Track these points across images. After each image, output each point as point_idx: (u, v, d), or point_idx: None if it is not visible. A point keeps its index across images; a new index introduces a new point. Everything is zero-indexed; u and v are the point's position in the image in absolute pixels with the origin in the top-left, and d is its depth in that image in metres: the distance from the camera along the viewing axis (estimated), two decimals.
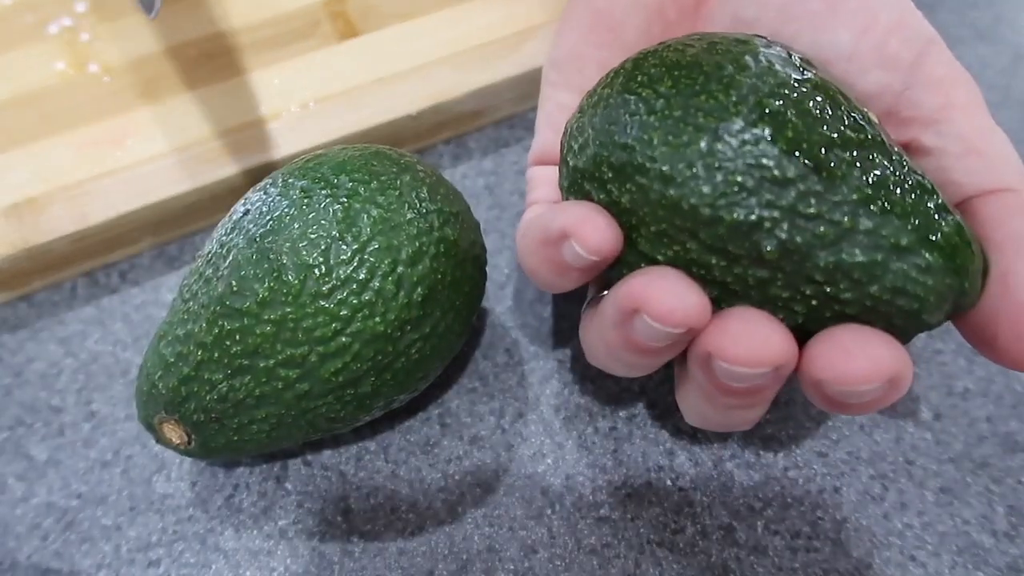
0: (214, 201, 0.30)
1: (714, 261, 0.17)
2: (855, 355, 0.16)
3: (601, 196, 0.19)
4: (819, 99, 0.17)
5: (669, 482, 0.25)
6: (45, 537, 0.25)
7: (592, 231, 0.18)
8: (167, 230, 0.30)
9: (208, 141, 0.30)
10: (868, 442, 0.25)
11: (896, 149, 0.17)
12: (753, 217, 0.17)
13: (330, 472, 0.25)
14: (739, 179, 0.17)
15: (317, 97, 0.31)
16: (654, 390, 0.27)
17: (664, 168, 0.17)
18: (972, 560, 0.23)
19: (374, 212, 0.21)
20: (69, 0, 0.34)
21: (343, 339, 0.20)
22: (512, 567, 0.23)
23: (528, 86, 0.32)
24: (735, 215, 0.17)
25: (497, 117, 0.34)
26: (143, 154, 0.29)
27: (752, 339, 0.16)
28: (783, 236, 0.16)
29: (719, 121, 0.17)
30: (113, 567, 0.24)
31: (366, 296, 0.20)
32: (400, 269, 0.21)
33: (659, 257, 0.18)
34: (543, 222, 0.19)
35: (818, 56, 0.20)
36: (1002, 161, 0.18)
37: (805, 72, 0.17)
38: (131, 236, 0.29)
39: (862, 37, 0.19)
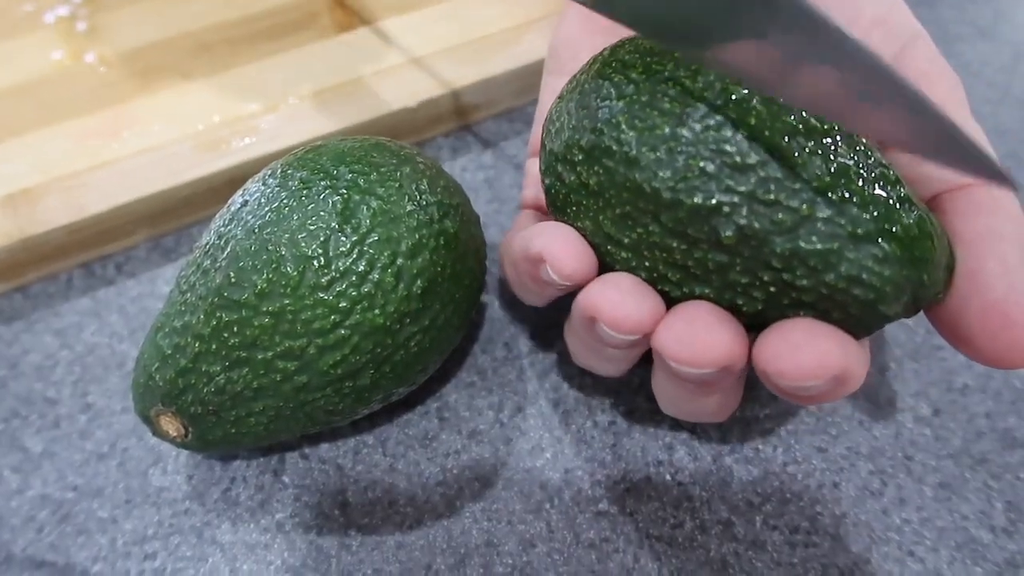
0: (211, 193, 0.29)
1: (675, 244, 0.18)
2: (802, 351, 0.16)
3: (571, 178, 0.19)
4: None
5: (668, 477, 0.25)
6: (40, 529, 0.24)
7: (565, 259, 0.19)
8: (163, 222, 0.30)
9: (205, 133, 0.30)
10: (867, 437, 0.25)
11: (864, 140, 0.17)
12: (712, 202, 0.17)
13: (328, 465, 0.25)
14: (700, 164, 0.17)
15: (315, 89, 0.31)
16: None
17: (629, 151, 0.18)
18: (970, 555, 0.23)
19: (374, 204, 0.21)
20: None
21: (342, 331, 0.20)
22: (510, 561, 0.23)
23: (527, 79, 0.32)
24: (694, 199, 0.17)
25: (496, 110, 0.33)
26: (140, 145, 0.29)
27: (695, 341, 0.17)
28: (741, 222, 0.17)
29: (684, 107, 0.17)
30: (109, 560, 0.24)
31: (365, 288, 0.20)
32: (400, 261, 0.21)
33: (624, 239, 0.19)
34: (523, 242, 0.20)
35: None
36: None
37: None
38: (127, 228, 0.29)
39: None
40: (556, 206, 0.21)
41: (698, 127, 0.17)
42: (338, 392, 0.21)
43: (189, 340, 0.21)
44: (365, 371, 0.21)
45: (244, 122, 0.30)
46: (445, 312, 0.22)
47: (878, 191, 0.16)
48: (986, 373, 0.26)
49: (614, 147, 0.18)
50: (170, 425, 0.22)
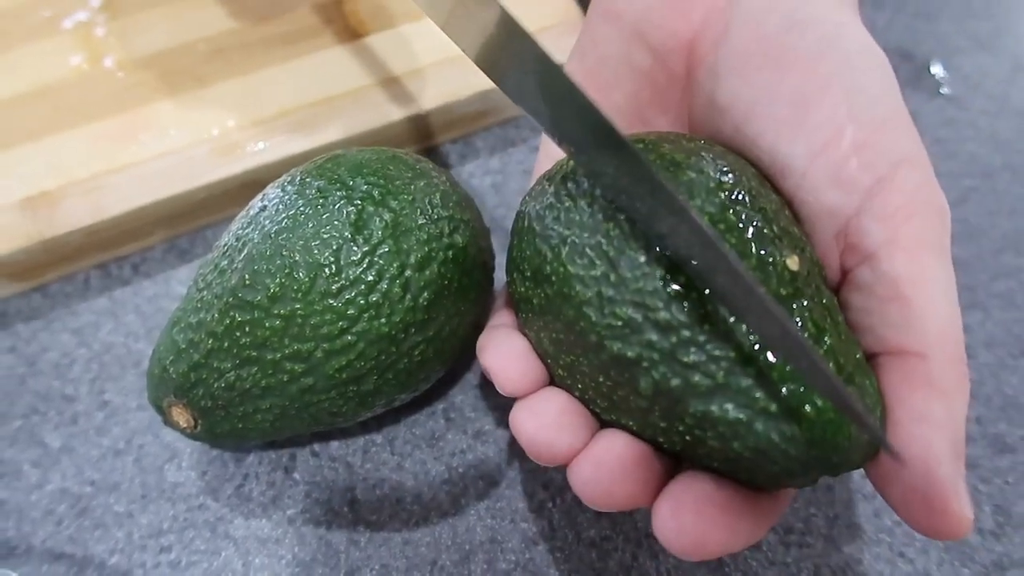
0: (226, 196, 0.30)
1: (601, 379, 0.18)
2: (686, 533, 0.17)
3: (522, 289, 0.20)
4: (728, 244, 0.16)
5: None
6: (59, 523, 0.25)
7: (505, 381, 0.20)
8: (180, 224, 0.31)
9: (220, 137, 0.30)
10: None
11: (802, 303, 0.16)
12: (631, 354, 0.17)
13: (337, 463, 0.26)
14: (627, 313, 0.17)
15: (328, 95, 0.31)
16: None
17: (565, 286, 0.18)
18: (959, 557, 0.24)
19: (386, 216, 0.22)
20: None
21: (349, 337, 0.21)
22: (513, 558, 0.24)
23: None
24: (616, 348, 0.17)
25: (504, 117, 0.34)
26: (157, 149, 0.30)
27: (600, 488, 0.18)
28: (658, 377, 0.17)
29: (620, 253, 0.17)
30: (126, 552, 0.25)
31: (373, 297, 0.21)
32: (408, 273, 0.21)
33: (560, 360, 0.19)
34: (478, 350, 0.21)
35: (773, 165, 0.19)
36: (924, 315, 0.16)
37: (729, 209, 0.17)
38: (144, 229, 0.30)
39: (820, 155, 0.18)
40: (514, 305, 0.21)
41: (629, 275, 0.17)
42: (342, 395, 0.22)
43: (203, 336, 0.22)
44: (369, 377, 0.22)
45: (258, 127, 0.31)
46: (450, 324, 0.23)
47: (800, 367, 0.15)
48: (978, 380, 0.27)
49: (553, 278, 0.18)
50: (181, 416, 0.23)
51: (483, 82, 0.32)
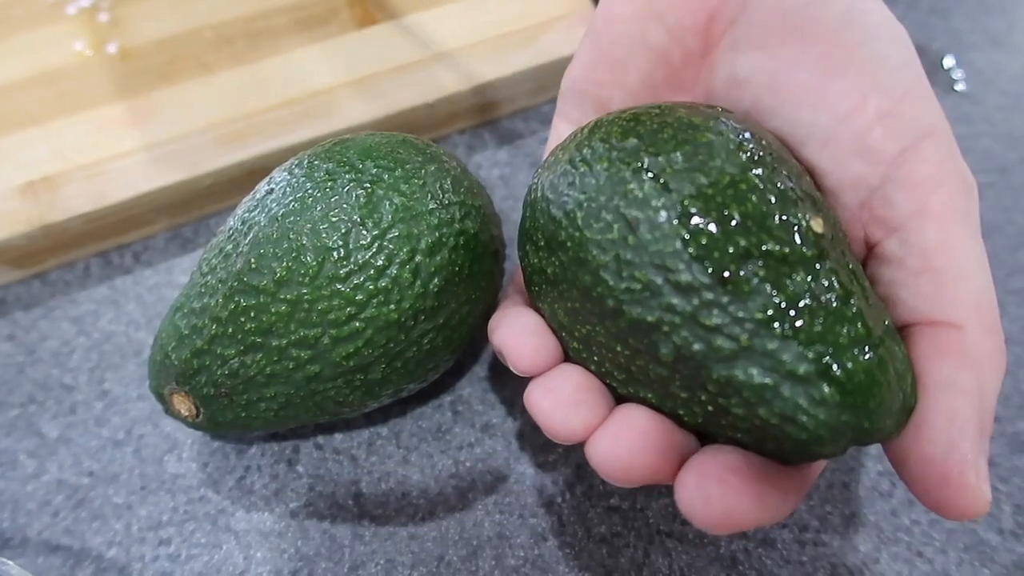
0: (231, 184, 0.30)
1: (619, 349, 0.18)
2: (713, 505, 0.16)
3: (535, 260, 0.19)
4: (750, 203, 0.16)
5: None
6: (56, 514, 0.25)
7: (519, 357, 0.19)
8: (182, 212, 0.30)
9: (225, 124, 0.30)
10: None
11: (828, 266, 0.16)
12: (651, 318, 0.16)
13: (342, 456, 0.26)
14: (647, 276, 0.16)
15: (335, 84, 0.31)
16: None
17: (581, 251, 0.17)
18: (979, 557, 0.23)
19: (396, 200, 0.21)
20: None
21: (356, 324, 0.20)
22: (522, 554, 0.24)
23: (543, 79, 0.32)
24: (635, 312, 0.17)
25: (513, 109, 0.34)
26: (161, 136, 0.29)
27: (620, 461, 0.17)
28: (679, 342, 0.16)
29: (638, 214, 0.17)
30: (124, 545, 0.24)
31: (382, 283, 0.20)
32: (418, 258, 0.21)
33: (575, 331, 0.19)
34: (490, 331, 0.21)
35: (793, 135, 0.18)
36: (958, 287, 0.16)
37: (749, 169, 0.16)
38: (146, 217, 0.29)
39: (843, 123, 0.17)
40: (526, 280, 0.21)
41: (648, 238, 0.16)
42: (349, 384, 0.22)
43: (206, 322, 0.21)
44: (377, 365, 0.21)
45: (264, 115, 0.30)
46: (460, 312, 0.22)
47: (827, 328, 0.15)
48: None
49: (569, 244, 0.18)
50: (182, 405, 0.22)
51: (492, 72, 0.31)
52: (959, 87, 0.35)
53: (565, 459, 0.25)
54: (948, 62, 0.36)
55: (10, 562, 0.23)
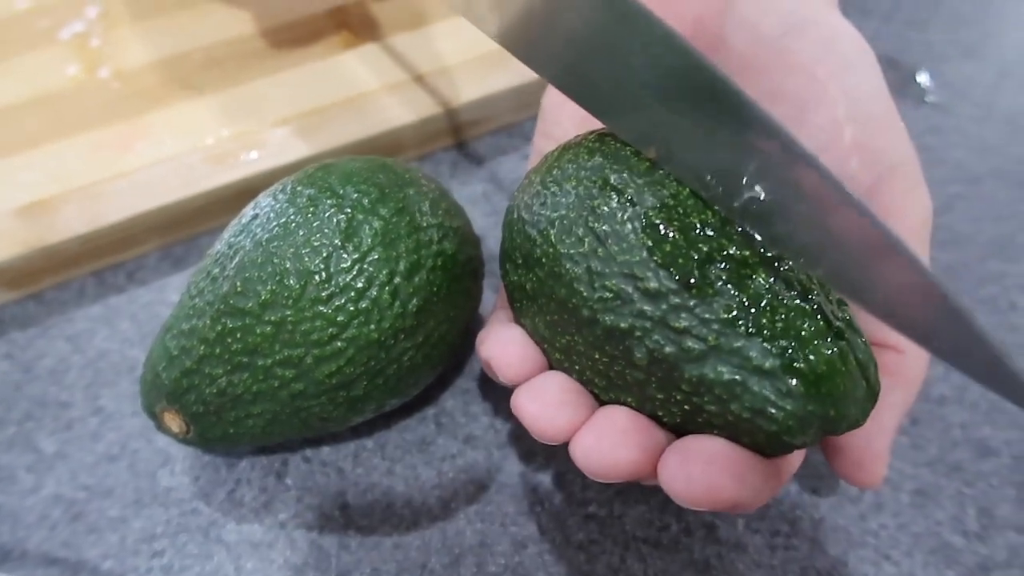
0: (220, 204, 0.31)
1: (597, 356, 0.19)
2: (696, 482, 0.17)
3: (515, 277, 0.21)
4: (710, 212, 0.17)
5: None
6: (53, 527, 0.26)
7: (505, 367, 0.20)
8: (174, 232, 0.31)
9: (215, 146, 0.31)
10: None
11: (787, 265, 0.17)
12: (624, 325, 0.17)
13: (329, 468, 0.26)
14: (617, 285, 0.17)
15: (321, 104, 0.32)
16: None
17: (555, 267, 0.19)
18: (944, 560, 0.24)
19: (376, 224, 0.22)
20: (81, 6, 0.35)
21: (338, 343, 0.21)
22: (503, 561, 0.24)
23: (526, 96, 0.33)
24: (608, 320, 0.18)
25: (496, 125, 0.35)
26: (153, 157, 0.30)
27: (601, 457, 0.18)
28: (651, 346, 0.17)
29: (606, 228, 0.18)
30: (119, 557, 0.25)
31: (363, 304, 0.21)
32: (397, 280, 0.22)
33: (556, 343, 0.20)
34: (478, 344, 0.22)
35: None
36: None
37: None
38: (139, 237, 0.30)
39: (821, 154, 0.18)
40: (508, 297, 0.22)
41: (616, 248, 0.17)
42: (332, 400, 0.22)
43: (195, 343, 0.22)
44: (359, 382, 0.22)
45: (252, 136, 0.31)
46: (439, 330, 0.23)
47: (789, 324, 0.16)
48: (962, 385, 0.27)
49: (544, 260, 0.19)
50: (173, 422, 0.23)
51: (475, 91, 0.32)
52: (930, 99, 0.36)
53: (545, 469, 0.26)
54: (921, 77, 0.37)
55: None
